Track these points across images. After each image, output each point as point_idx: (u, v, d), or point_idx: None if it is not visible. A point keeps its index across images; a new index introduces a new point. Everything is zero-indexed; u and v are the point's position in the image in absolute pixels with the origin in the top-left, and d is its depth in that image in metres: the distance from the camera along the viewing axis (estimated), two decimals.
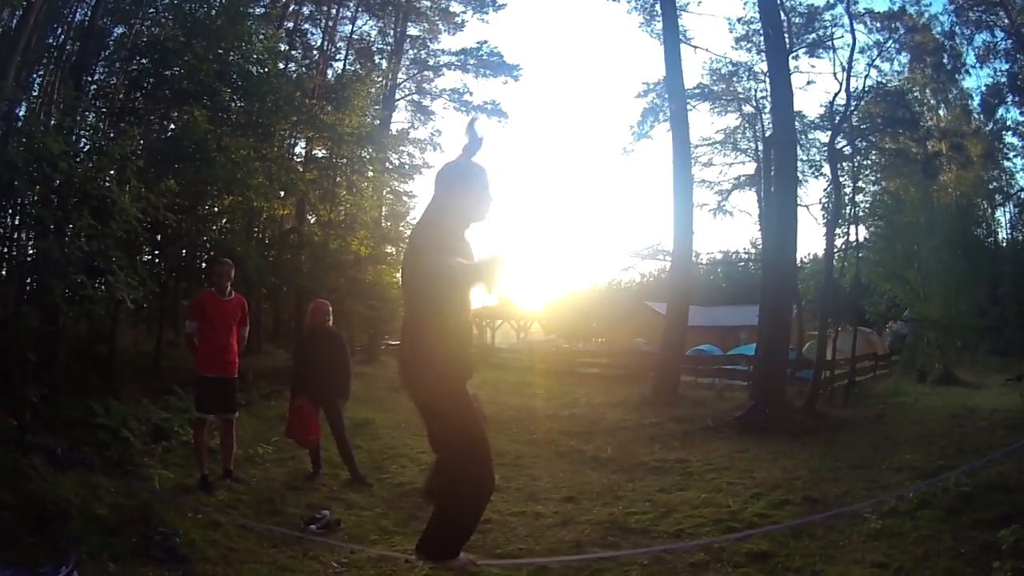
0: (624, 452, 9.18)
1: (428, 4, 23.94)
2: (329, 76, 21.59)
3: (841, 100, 15.47)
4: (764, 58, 16.65)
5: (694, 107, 21.57)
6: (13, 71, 8.78)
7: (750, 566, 4.64)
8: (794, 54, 15.78)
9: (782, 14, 14.91)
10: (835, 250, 16.30)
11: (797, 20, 16.51)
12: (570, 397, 14.92)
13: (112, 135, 10.70)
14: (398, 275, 21.47)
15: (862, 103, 16.78)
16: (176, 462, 6.85)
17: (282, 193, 15.45)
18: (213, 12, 11.91)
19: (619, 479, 7.56)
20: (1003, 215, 29.30)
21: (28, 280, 7.70)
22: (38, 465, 4.92)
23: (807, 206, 17.63)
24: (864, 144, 17.76)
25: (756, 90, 21.47)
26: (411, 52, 24.61)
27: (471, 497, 3.19)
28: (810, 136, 20.33)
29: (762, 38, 16.15)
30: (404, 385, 3.24)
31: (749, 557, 4.74)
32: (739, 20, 19.74)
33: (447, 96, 24.83)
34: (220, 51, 11.85)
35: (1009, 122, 22.91)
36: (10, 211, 8.97)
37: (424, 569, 4.56)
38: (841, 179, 15.97)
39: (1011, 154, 24.54)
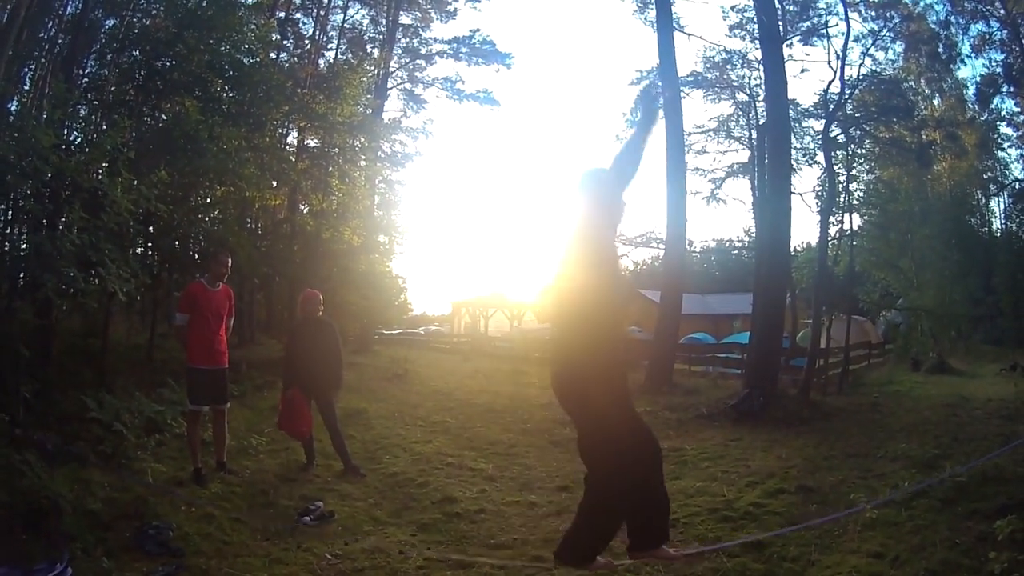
0: None
1: None
2: (321, 65, 21.55)
3: (835, 88, 15.38)
4: (758, 46, 16.62)
5: (687, 95, 21.66)
6: (4, 65, 8.70)
7: (745, 555, 4.64)
8: (788, 42, 15.77)
9: (776, 2, 14.82)
10: (829, 238, 16.26)
11: (791, 8, 16.50)
12: None
13: (104, 127, 10.61)
14: (391, 264, 21.57)
15: (856, 91, 16.73)
16: (169, 455, 6.85)
17: (274, 183, 15.43)
18: (204, 2, 11.79)
19: None
20: (997, 205, 29.17)
21: (20, 274, 7.63)
22: (31, 461, 4.88)
23: (801, 194, 17.60)
24: (858, 132, 17.74)
25: (750, 78, 21.56)
26: (403, 41, 24.57)
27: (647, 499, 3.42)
28: (804, 124, 20.32)
29: (756, 26, 16.13)
30: (575, 407, 3.43)
31: (745, 547, 4.73)
32: (733, 8, 19.86)
33: (439, 84, 24.84)
34: (211, 41, 11.75)
35: (1004, 112, 22.93)
36: (2, 206, 8.90)
37: (418, 560, 4.58)
38: (835, 167, 15.90)
39: (1005, 144, 24.52)
